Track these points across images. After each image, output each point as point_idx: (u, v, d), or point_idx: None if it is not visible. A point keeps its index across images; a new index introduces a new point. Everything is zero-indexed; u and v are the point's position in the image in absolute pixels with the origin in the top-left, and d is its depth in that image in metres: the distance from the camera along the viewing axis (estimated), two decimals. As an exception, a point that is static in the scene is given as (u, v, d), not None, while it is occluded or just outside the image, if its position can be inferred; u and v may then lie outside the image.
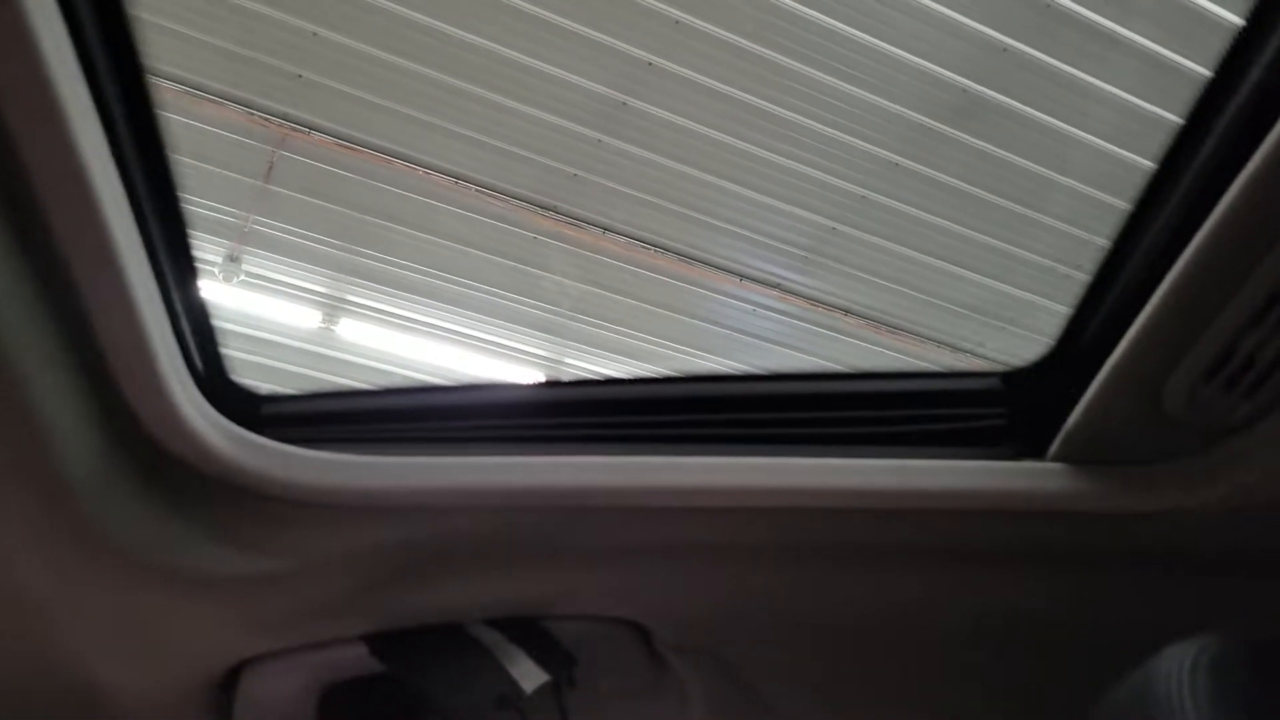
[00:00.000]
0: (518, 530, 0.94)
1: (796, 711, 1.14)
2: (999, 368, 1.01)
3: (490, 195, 6.11)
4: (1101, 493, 0.91)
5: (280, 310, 6.76)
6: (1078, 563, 0.99)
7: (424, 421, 0.97)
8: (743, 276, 6.61)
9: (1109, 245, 0.90)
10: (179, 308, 0.81)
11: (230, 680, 1.03)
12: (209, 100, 5.50)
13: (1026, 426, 0.96)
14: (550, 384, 1.02)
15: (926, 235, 6.21)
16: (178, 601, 0.90)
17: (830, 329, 6.91)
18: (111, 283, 0.68)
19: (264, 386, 0.98)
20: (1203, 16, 4.85)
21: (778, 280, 6.63)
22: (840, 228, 6.23)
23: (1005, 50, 5.12)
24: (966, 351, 6.97)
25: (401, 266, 6.59)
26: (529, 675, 1.01)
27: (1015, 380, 1.00)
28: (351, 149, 5.86)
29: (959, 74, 5.27)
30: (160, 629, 0.93)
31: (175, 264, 0.79)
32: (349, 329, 7.10)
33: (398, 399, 1.00)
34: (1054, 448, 0.93)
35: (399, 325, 7.05)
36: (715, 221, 6.26)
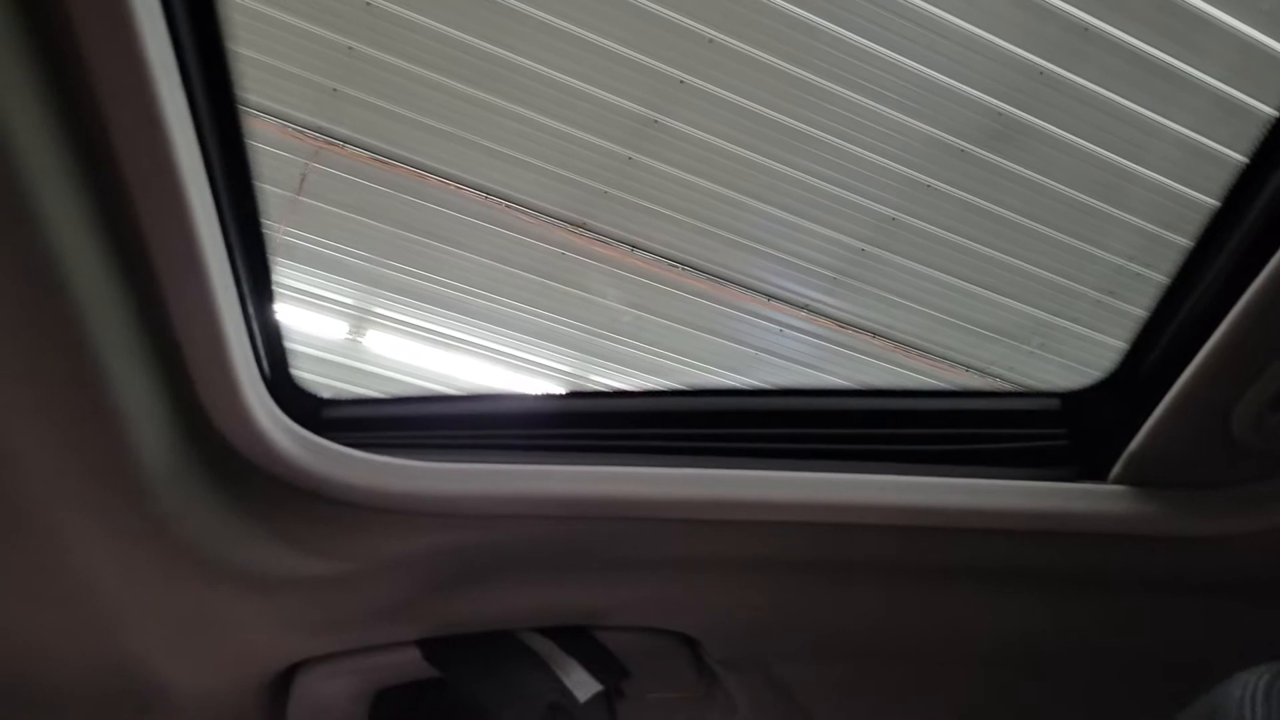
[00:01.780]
0: (572, 539, 0.94)
1: (846, 730, 1.14)
2: (1056, 389, 1.01)
3: (520, 211, 6.14)
4: (1165, 516, 0.90)
5: (308, 321, 6.81)
6: (1138, 586, 0.98)
7: (481, 429, 0.97)
8: (770, 296, 6.60)
9: (1173, 272, 0.90)
10: (250, 309, 0.82)
11: (284, 682, 1.04)
12: (244, 112, 5.55)
13: (1088, 448, 0.95)
14: (609, 394, 1.02)
15: (956, 258, 6.18)
16: (237, 600, 0.91)
17: (857, 351, 6.88)
18: (195, 284, 0.70)
19: (326, 390, 0.99)
20: (1252, 48, 4.83)
21: (805, 301, 6.62)
22: (869, 249, 6.22)
23: (1042, 73, 5.11)
24: (994, 376, 6.93)
25: (429, 280, 6.62)
26: (582, 684, 1.01)
27: (1074, 402, 1.00)
28: (383, 163, 5.91)
29: (994, 96, 5.26)
30: (219, 628, 0.94)
31: (251, 268, 0.81)
32: (376, 341, 7.14)
33: (454, 406, 1.01)
34: (1116, 470, 0.92)
35: (425, 338, 7.08)
36: (744, 240, 6.27)
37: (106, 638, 0.92)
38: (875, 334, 6.77)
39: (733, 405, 1.00)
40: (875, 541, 0.94)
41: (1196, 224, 0.86)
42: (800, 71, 5.29)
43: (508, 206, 6.09)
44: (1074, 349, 6.60)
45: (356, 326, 7.01)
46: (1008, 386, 6.79)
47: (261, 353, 0.85)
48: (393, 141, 5.81)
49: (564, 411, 1.00)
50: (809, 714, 1.12)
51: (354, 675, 1.04)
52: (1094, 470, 0.94)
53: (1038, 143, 5.44)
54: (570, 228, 6.22)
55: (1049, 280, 6.24)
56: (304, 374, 0.95)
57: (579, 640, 1.05)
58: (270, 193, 6.01)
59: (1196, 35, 4.87)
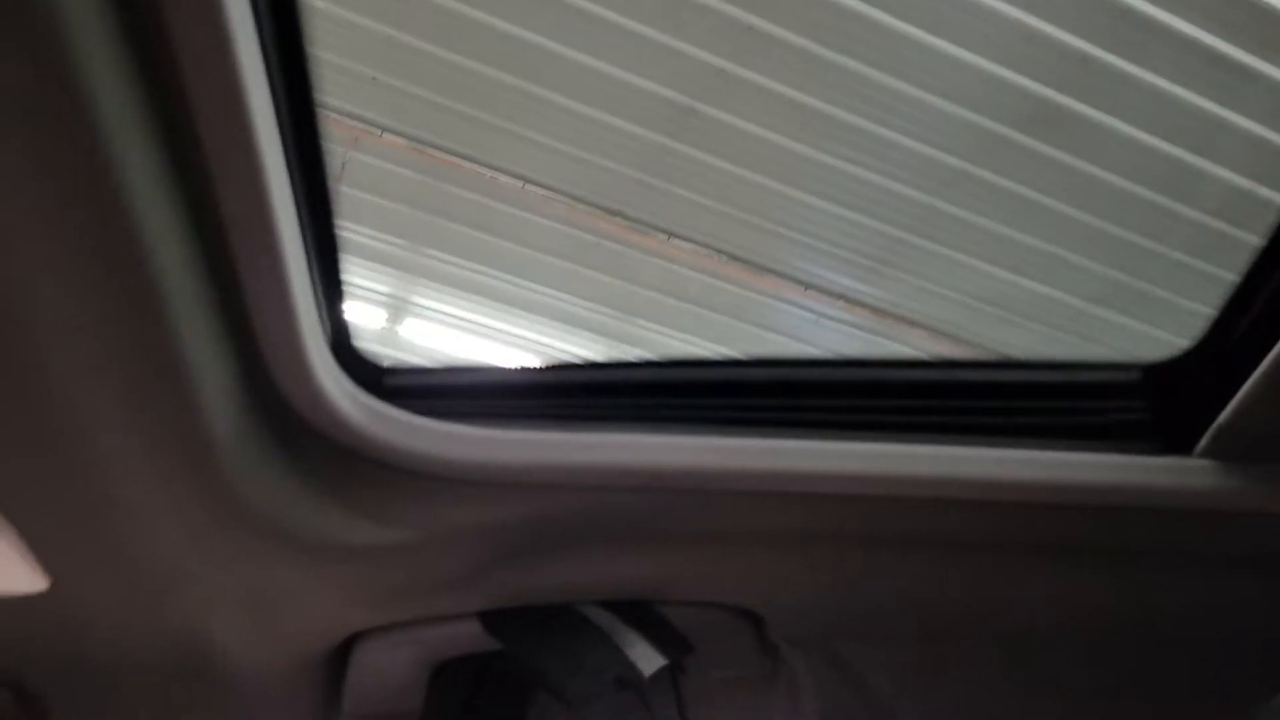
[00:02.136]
0: (636, 511, 0.93)
1: (912, 712, 1.11)
2: (1137, 360, 0.98)
3: (556, 199, 6.14)
4: (1255, 491, 0.87)
5: (347, 310, 6.85)
6: (1225, 564, 0.95)
7: (542, 399, 0.96)
8: (807, 285, 6.56)
9: (1262, 243, 0.87)
10: (318, 279, 0.82)
11: (343, 653, 1.03)
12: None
13: (1172, 421, 0.92)
14: (676, 363, 1.01)
15: (997, 247, 6.11)
16: (298, 568, 0.90)
17: (895, 340, 6.82)
18: (267, 250, 0.69)
19: (387, 357, 0.98)
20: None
21: (842, 290, 6.57)
22: (908, 238, 6.16)
23: (1085, 59, 5.02)
24: (1035, 366, 6.84)
25: (466, 269, 6.64)
26: (646, 658, 1.00)
27: (1156, 373, 0.97)
28: (421, 151, 5.92)
29: (1037, 81, 5.18)
30: (279, 596, 0.93)
31: (318, 237, 0.80)
32: (413, 329, 7.18)
33: (516, 376, 1.00)
34: (1202, 444, 0.89)
35: (463, 327, 7.11)
36: (780, 229, 6.23)
37: (166, 606, 0.91)
38: (914, 323, 6.71)
39: (804, 376, 0.98)
40: (950, 517, 0.92)
41: (1264, 220, 0.83)
42: (840, 58, 5.23)
43: (545, 195, 6.09)
44: (1115, 339, 6.51)
45: (394, 315, 7.05)
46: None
47: (325, 317, 0.85)
48: (431, 130, 5.83)
49: (630, 381, 0.98)
50: (877, 694, 1.09)
51: (414, 646, 1.03)
52: (1179, 444, 0.91)
53: (1084, 129, 5.35)
54: (606, 216, 6.21)
55: (1093, 270, 6.15)
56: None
57: (641, 614, 1.03)
58: (309, 181, 6.03)
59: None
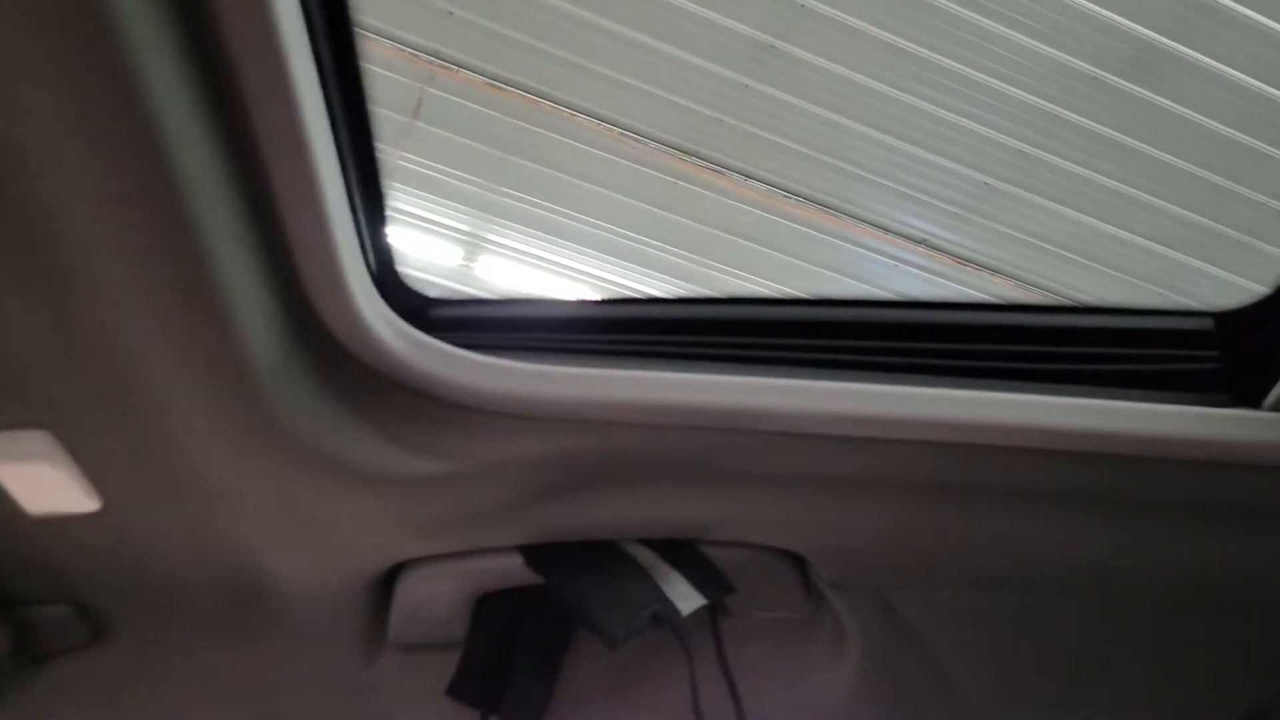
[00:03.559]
0: (680, 449, 0.91)
1: (958, 660, 1.09)
2: (1210, 308, 0.93)
3: (633, 139, 6.08)
4: None
5: (423, 246, 6.92)
6: None
7: (591, 334, 0.95)
8: (887, 230, 6.42)
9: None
10: (359, 206, 0.81)
11: (389, 581, 1.05)
12: (360, 35, 5.60)
13: (1242, 372, 0.88)
14: (729, 300, 0.98)
15: (1087, 194, 5.89)
16: (344, 497, 0.91)
17: (975, 288, 6.66)
18: (304, 182, 0.69)
19: (433, 288, 0.98)
20: None
21: (923, 236, 6.42)
22: (994, 183, 5.97)
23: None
24: (1121, 318, 6.63)
25: (541, 207, 6.64)
26: (685, 597, 0.99)
27: (1228, 322, 0.92)
28: (497, 88, 5.90)
29: (1136, 22, 4.94)
30: (326, 523, 0.95)
31: (359, 163, 0.80)
32: (488, 267, 7.22)
33: (565, 309, 0.99)
34: (1272, 396, 0.85)
35: (536, 264, 7.13)
36: (860, 172, 6.08)
37: (214, 528, 0.93)
38: (995, 270, 6.53)
39: (862, 316, 0.95)
40: (1006, 464, 0.89)
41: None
42: (929, -6, 5.05)
43: (620, 133, 6.04)
44: (1208, 291, 6.25)
45: (470, 252, 7.10)
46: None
47: (369, 248, 0.84)
48: (507, 66, 5.80)
49: (681, 318, 0.97)
50: (922, 641, 1.08)
51: (457, 578, 1.04)
52: (1248, 396, 0.86)
53: (1183, 73, 5.10)
54: (683, 156, 6.14)
55: (1186, 219, 5.90)
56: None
57: (684, 553, 1.03)
58: (385, 117, 6.07)
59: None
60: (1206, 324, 0.91)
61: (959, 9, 5.05)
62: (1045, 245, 6.29)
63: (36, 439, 0.80)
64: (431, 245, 6.97)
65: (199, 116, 0.63)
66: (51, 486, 0.85)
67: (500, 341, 0.92)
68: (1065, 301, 6.60)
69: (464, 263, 7.18)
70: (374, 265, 0.86)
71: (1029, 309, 0.99)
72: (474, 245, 7.10)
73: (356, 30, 0.74)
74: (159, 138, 0.60)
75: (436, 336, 0.87)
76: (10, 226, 0.63)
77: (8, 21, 0.53)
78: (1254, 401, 0.86)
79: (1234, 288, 6.13)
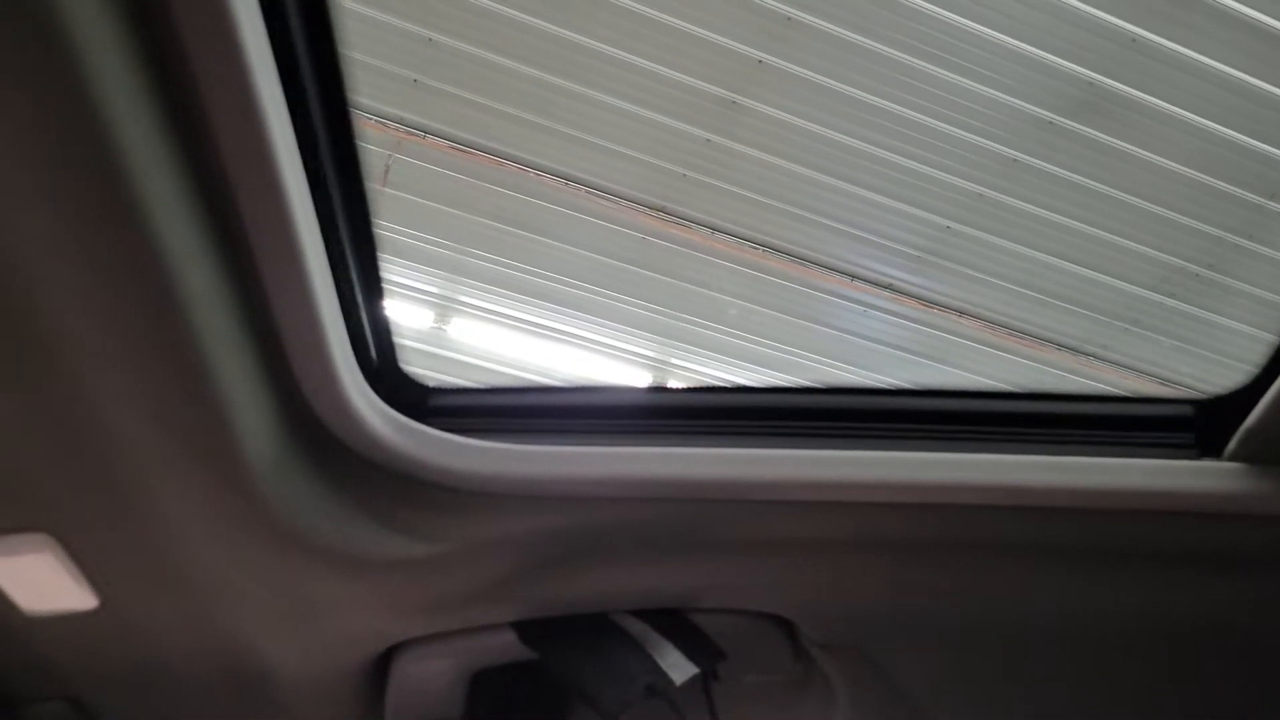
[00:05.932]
0: (667, 521, 0.94)
1: (945, 714, 1.11)
2: (1194, 396, 0.96)
3: (599, 196, 6.14)
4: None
5: (393, 310, 6.92)
6: (1256, 568, 0.94)
7: (582, 418, 0.97)
8: (853, 277, 6.50)
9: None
10: (357, 300, 0.84)
11: (383, 663, 1.06)
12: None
13: (1202, 424, 0.91)
14: (710, 390, 1.02)
15: (1046, 233, 6.01)
16: (338, 583, 0.93)
17: (944, 330, 6.74)
18: (292, 274, 0.71)
19: (433, 379, 1.00)
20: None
21: (889, 280, 6.50)
22: (955, 226, 6.08)
23: (1134, 41, 4.92)
24: (1089, 355, 6.73)
25: (511, 267, 6.67)
26: (678, 666, 1.01)
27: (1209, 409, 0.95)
28: (464, 152, 5.96)
29: (1083, 66, 5.09)
30: (320, 610, 0.96)
31: (359, 262, 0.82)
32: (460, 329, 7.23)
33: (558, 396, 1.01)
34: (1231, 446, 0.89)
35: (508, 325, 7.15)
36: (825, 220, 6.17)
37: (211, 620, 0.94)
38: (962, 313, 6.62)
39: (830, 403, 0.99)
40: (983, 522, 0.92)
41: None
42: (880, 46, 5.18)
43: (588, 192, 6.10)
44: (1171, 325, 6.37)
45: (441, 315, 7.11)
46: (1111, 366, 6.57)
47: (367, 341, 0.87)
48: (473, 130, 5.86)
49: (665, 405, 1.00)
50: (910, 699, 1.10)
51: (452, 656, 1.05)
52: (1209, 447, 0.90)
53: (1132, 113, 5.25)
54: (649, 212, 6.21)
55: (1144, 254, 6.03)
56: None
57: (674, 622, 1.05)
58: (355, 185, 6.08)
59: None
60: (1186, 411, 0.94)
61: (912, 59, 5.19)
62: (1009, 285, 6.39)
63: (35, 541, 0.81)
64: (402, 309, 6.98)
65: (197, 230, 0.65)
66: (50, 586, 0.86)
67: (497, 426, 0.95)
68: (1036, 343, 6.70)
69: (436, 325, 7.19)
70: (373, 357, 0.89)
71: (1011, 397, 1.02)
72: (445, 307, 7.11)
73: (359, 144, 0.77)
74: (160, 253, 0.62)
75: (435, 423, 0.89)
76: (11, 336, 0.65)
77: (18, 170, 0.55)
78: (1215, 453, 0.90)
79: (1196, 320, 6.25)
